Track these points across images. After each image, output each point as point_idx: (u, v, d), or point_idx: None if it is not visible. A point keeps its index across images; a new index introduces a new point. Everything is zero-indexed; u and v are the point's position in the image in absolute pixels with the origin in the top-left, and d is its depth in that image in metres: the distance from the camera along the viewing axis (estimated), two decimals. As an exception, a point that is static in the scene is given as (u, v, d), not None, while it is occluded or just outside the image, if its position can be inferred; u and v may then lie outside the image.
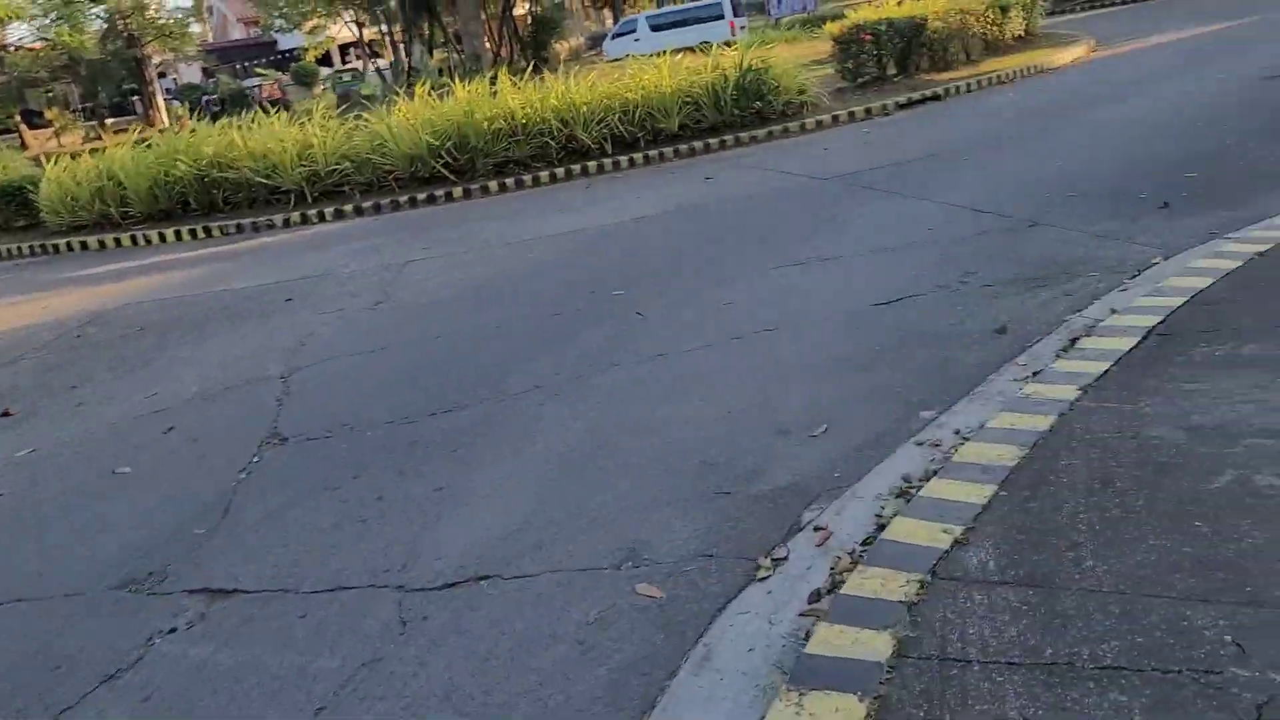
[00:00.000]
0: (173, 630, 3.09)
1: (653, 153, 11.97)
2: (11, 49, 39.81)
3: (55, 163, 13.92)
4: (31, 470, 4.69)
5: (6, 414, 5.63)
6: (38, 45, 39.40)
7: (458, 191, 11.63)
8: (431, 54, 25.32)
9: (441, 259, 8.26)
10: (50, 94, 40.65)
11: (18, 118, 38.04)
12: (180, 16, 41.98)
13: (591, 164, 11.86)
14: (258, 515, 3.83)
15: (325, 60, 46.67)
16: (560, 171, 11.80)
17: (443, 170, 11.83)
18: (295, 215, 11.76)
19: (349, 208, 11.69)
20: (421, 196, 11.62)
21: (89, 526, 3.96)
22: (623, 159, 11.91)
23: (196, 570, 3.46)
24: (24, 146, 36.73)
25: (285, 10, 41.47)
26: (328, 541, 3.53)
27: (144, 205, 12.74)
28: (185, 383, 5.74)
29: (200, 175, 12.47)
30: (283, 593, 3.23)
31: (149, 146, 13.26)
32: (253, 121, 13.19)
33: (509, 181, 11.72)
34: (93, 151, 14.03)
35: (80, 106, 42.33)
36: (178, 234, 12.04)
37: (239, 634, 3.02)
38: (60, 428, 5.27)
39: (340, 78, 39.59)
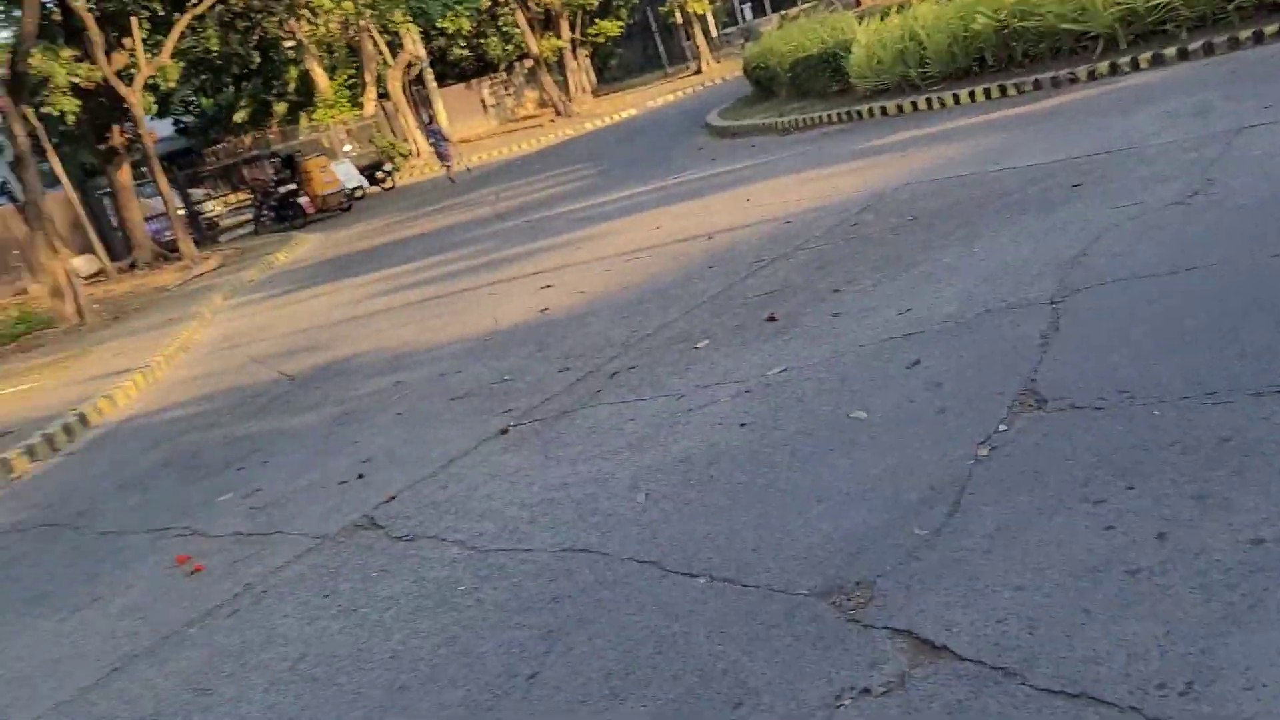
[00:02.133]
0: (865, 691, 2.48)
1: None
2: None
3: (864, 26, 14.15)
4: (776, 398, 4.49)
5: (772, 319, 5.59)
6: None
7: (1328, 18, 8.82)
8: None
9: (1293, 125, 6.19)
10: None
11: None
12: None
13: None
14: (990, 525, 3.00)
15: None
16: None
17: (1309, -8, 9.05)
18: (1103, 65, 10.15)
19: (1171, 51, 9.68)
20: (1271, 29, 9.05)
21: (810, 491, 3.55)
22: None
23: (906, 597, 2.79)
24: (858, 3, 39.42)
25: None
26: (1075, 599, 2.56)
27: (942, 65, 12.26)
28: (943, 298, 5.06)
29: (999, 27, 11.47)
30: (1003, 675, 2.38)
31: (950, 0, 12.63)
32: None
33: None
34: (899, 9, 13.92)
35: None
36: (972, 95, 11.33)
37: (934, 730, 2.29)
38: (814, 344, 5.02)
39: None
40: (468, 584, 3.66)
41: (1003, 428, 3.56)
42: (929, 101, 11.87)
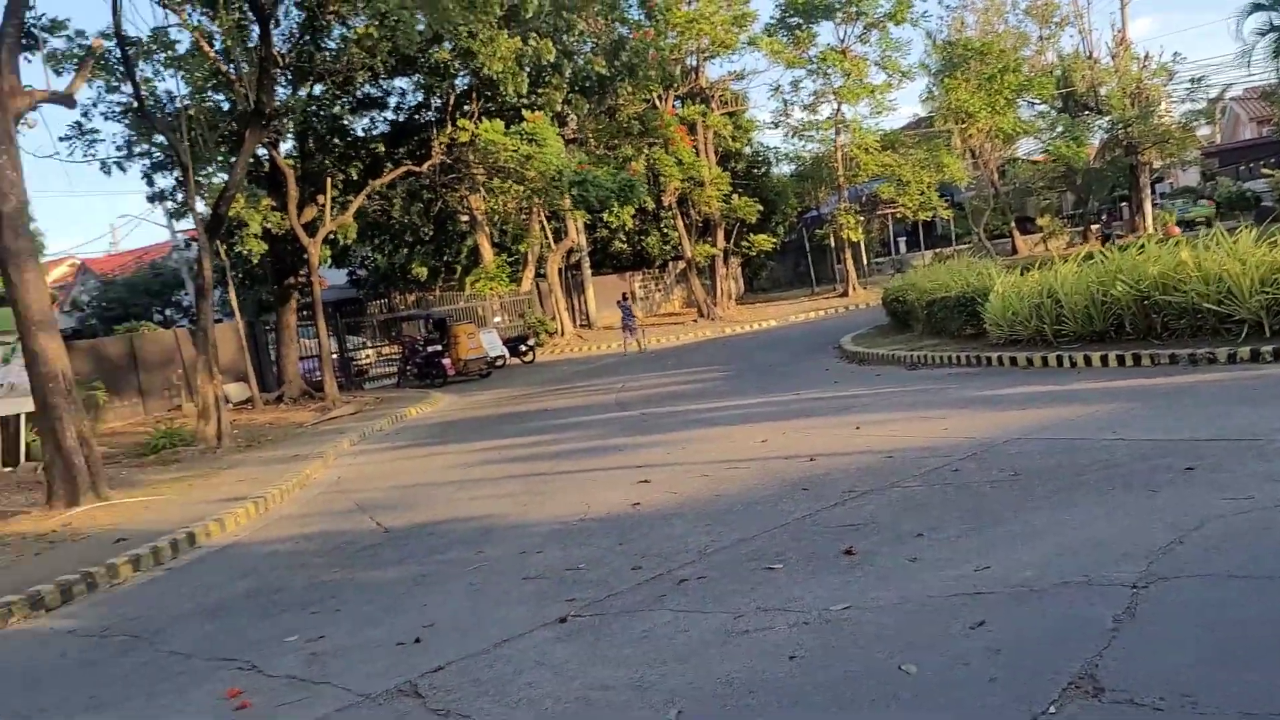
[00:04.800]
0: None
1: None
2: (1018, 161, 43.54)
3: (1004, 276, 14.34)
4: (833, 635, 4.41)
5: (849, 553, 5.54)
6: (1040, 158, 42.44)
7: None
8: None
9: None
10: (1045, 202, 43.38)
11: (1013, 224, 41.28)
12: (1186, 120, 40.75)
13: None
14: (1011, 813, 2.86)
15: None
16: None
17: None
18: (1244, 350, 9.94)
19: (1316, 346, 9.43)
20: None
21: (839, 740, 3.45)
22: None
23: None
24: (1014, 250, 39.90)
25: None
26: None
27: (1078, 325, 12.25)
28: (1023, 562, 4.93)
29: (1140, 297, 11.47)
30: None
31: (1093, 263, 12.73)
32: (1211, 239, 11.65)
33: None
34: (1040, 266, 14.07)
35: (1071, 213, 44.24)
36: (1104, 359, 11.21)
37: None
38: (884, 585, 4.94)
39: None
40: (484, 771, 3.66)
41: (1052, 710, 3.41)
42: (1060, 359, 11.80)
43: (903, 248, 45.26)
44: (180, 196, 23.44)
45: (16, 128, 11.66)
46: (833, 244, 38.12)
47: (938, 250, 39.76)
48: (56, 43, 17.93)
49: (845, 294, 35.88)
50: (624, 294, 30.71)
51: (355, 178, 24.08)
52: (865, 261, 41.05)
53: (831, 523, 6.24)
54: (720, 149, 36.08)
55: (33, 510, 11.64)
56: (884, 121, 37.98)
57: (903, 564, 5.23)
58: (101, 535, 9.70)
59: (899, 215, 38.90)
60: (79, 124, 20.55)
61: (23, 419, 16.00)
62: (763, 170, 40.63)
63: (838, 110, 35.69)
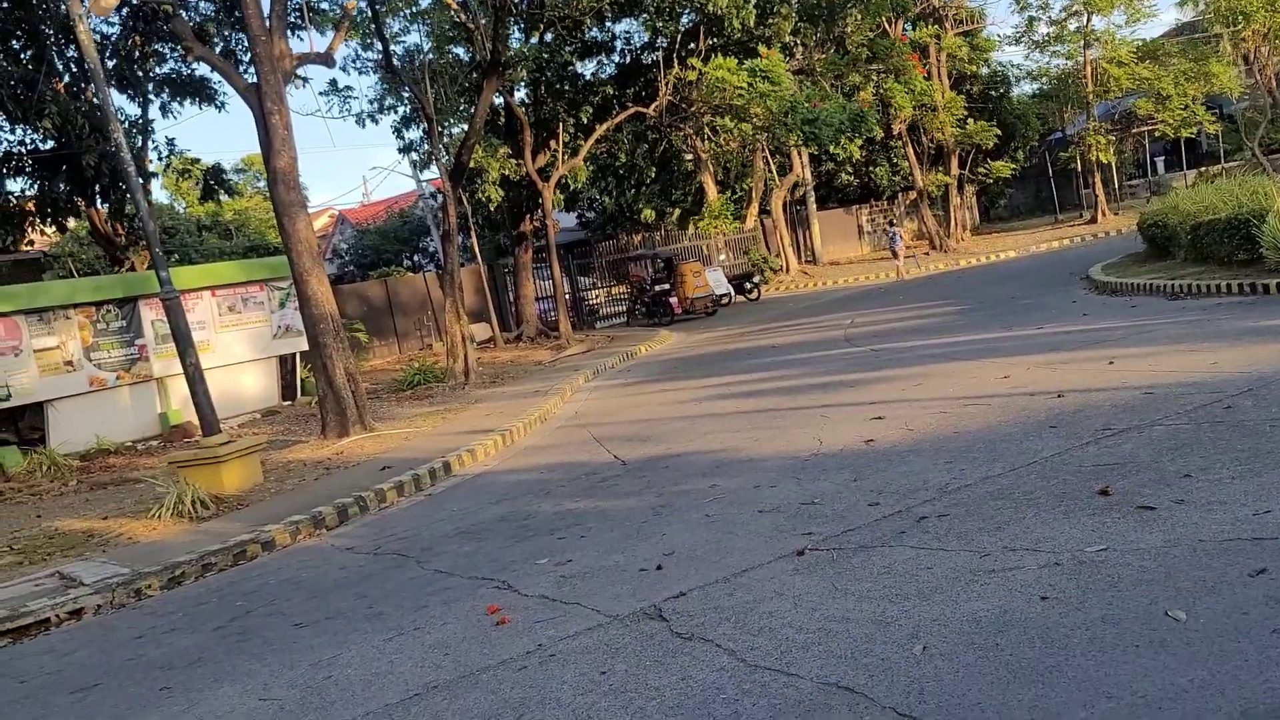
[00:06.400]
0: None
1: None
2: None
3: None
4: (1088, 577, 4.19)
5: (1105, 493, 5.23)
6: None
7: None
8: None
9: None
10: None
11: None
12: None
13: None
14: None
15: None
16: None
17: None
18: None
19: None
20: None
21: (1100, 685, 3.29)
22: None
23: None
24: (1294, 165, 35.64)
25: None
26: None
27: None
28: (1313, 507, 4.49)
29: None
30: None
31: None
32: None
33: None
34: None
35: None
36: None
37: None
38: (1146, 528, 4.64)
39: None
40: (729, 694, 3.76)
41: (1347, 668, 3.11)
42: (1354, 284, 10.53)
43: (1160, 168, 41.37)
44: (426, 147, 24.85)
45: (286, 88, 12.69)
46: (1079, 167, 35.51)
47: (1202, 169, 36.05)
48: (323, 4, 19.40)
49: (1093, 220, 33.41)
50: (890, 220, 31.86)
51: (585, 121, 24.62)
52: (1116, 185, 37.89)
53: (1085, 462, 5.90)
54: (954, 72, 34.20)
55: (309, 440, 12.89)
56: (1141, 30, 34.44)
57: (1167, 505, 4.88)
58: (369, 463, 10.62)
59: (1156, 133, 35.56)
60: (334, 81, 22.26)
61: (297, 357, 17.68)
62: (1001, 92, 38.18)
63: (1087, 22, 32.91)
